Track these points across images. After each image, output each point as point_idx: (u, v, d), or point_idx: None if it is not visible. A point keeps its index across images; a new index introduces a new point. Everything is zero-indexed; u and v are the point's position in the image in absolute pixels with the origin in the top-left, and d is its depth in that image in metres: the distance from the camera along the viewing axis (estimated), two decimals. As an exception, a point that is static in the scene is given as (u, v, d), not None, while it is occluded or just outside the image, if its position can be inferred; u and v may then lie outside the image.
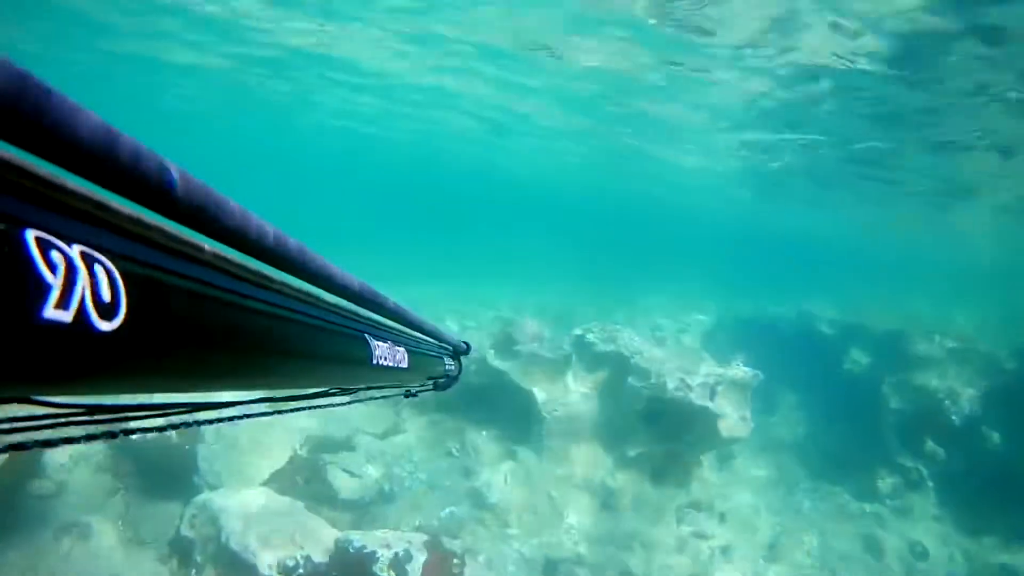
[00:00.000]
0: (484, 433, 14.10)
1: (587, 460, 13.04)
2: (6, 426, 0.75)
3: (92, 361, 0.65)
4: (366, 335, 1.55)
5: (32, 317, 0.55)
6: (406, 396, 2.28)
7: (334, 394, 1.57)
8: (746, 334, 23.64)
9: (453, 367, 2.65)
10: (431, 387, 2.49)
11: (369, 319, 1.63)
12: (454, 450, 13.92)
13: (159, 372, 0.78)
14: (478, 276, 34.30)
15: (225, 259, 0.97)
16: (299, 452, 12.33)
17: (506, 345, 15.21)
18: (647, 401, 12.74)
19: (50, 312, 0.57)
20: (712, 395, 12.67)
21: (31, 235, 0.57)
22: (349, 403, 1.90)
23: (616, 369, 14.30)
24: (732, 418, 12.79)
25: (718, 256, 54.46)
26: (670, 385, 12.40)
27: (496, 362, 14.05)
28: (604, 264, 41.86)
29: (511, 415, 14.30)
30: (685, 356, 15.91)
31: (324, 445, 12.87)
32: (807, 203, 32.84)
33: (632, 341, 14.76)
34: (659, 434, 12.92)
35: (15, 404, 0.67)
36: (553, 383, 13.79)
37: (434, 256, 43.10)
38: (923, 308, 27.91)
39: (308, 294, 1.26)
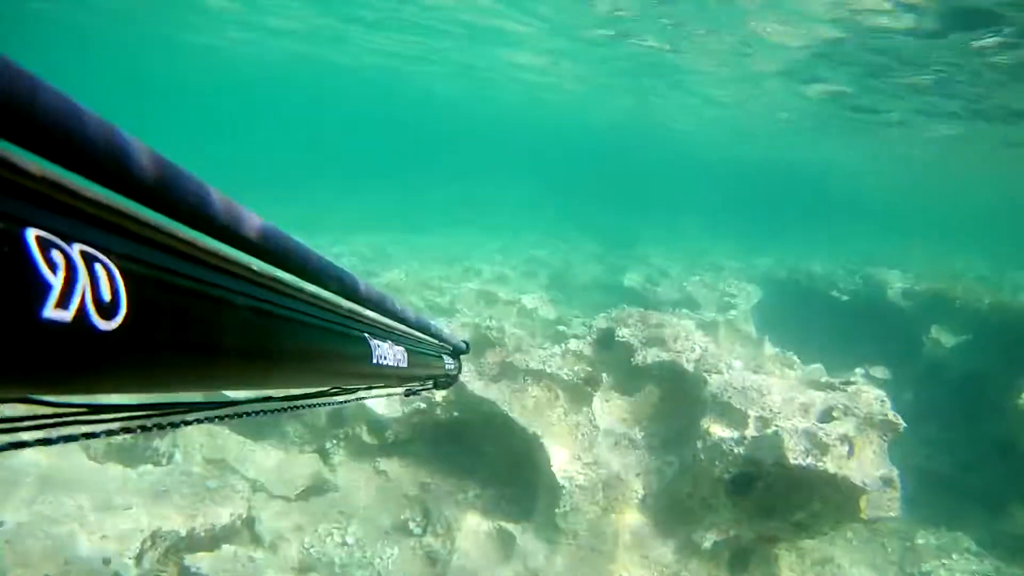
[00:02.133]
0: (461, 496, 8.79)
1: (632, 552, 7.78)
2: (6, 426, 0.74)
3: (92, 360, 0.64)
4: (366, 335, 1.55)
5: (33, 316, 0.55)
6: (406, 395, 2.30)
7: (334, 394, 1.54)
8: (799, 309, 18.48)
9: (453, 366, 2.62)
10: (431, 386, 2.48)
11: (369, 318, 1.60)
12: (413, 524, 8.63)
13: (158, 371, 0.77)
14: (457, 226, 28.57)
15: (225, 258, 0.96)
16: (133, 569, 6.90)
17: (491, 350, 9.81)
18: (740, 463, 7.43)
19: (50, 311, 0.56)
20: (849, 450, 7.39)
21: (32, 234, 0.57)
22: (348, 402, 1.83)
23: (672, 392, 8.96)
24: (869, 481, 7.55)
25: (738, 204, 49.19)
26: (789, 443, 7.05)
27: (477, 386, 8.64)
28: (606, 212, 36.29)
29: (505, 465, 9.00)
30: (763, 359, 10.59)
31: (191, 540, 7.49)
32: (849, 136, 27.49)
33: (690, 342, 9.40)
34: (752, 509, 7.68)
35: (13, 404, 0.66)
36: (571, 424, 8.43)
37: (414, 203, 37.19)
38: (983, 268, 22.93)
39: (307, 293, 1.23)
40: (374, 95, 47.28)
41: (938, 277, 18.10)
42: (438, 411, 8.88)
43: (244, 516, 8.07)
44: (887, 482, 7.79)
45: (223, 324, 0.87)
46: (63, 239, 0.61)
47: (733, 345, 11.81)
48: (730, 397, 7.76)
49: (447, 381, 2.62)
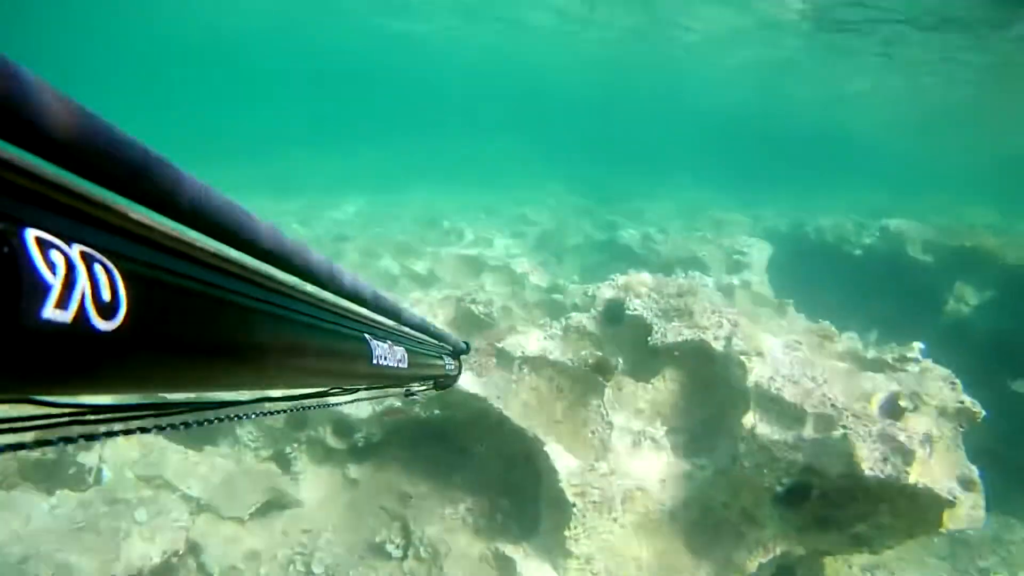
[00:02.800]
0: (449, 509, 7.28)
1: (659, 578, 6.33)
2: (5, 426, 0.73)
3: (92, 361, 0.63)
4: (366, 335, 1.54)
5: (31, 317, 0.55)
6: (406, 396, 2.29)
7: (335, 394, 1.55)
8: (807, 266, 16.99)
9: (453, 367, 2.64)
10: (432, 386, 2.49)
11: (368, 319, 1.60)
12: (391, 545, 7.12)
13: (158, 372, 0.76)
14: (438, 184, 26.65)
15: (225, 258, 0.96)
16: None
17: (477, 332, 8.23)
18: (797, 471, 5.94)
19: (49, 312, 0.56)
20: (929, 452, 5.93)
21: (31, 235, 0.56)
22: (349, 402, 1.86)
23: (698, 377, 7.44)
24: (953, 488, 6.12)
25: (731, 151, 47.31)
26: (862, 450, 5.55)
27: (463, 378, 7.06)
28: (595, 165, 34.43)
29: (499, 468, 7.48)
30: (791, 328, 9.09)
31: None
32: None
33: (717, 315, 7.85)
34: (804, 521, 6.24)
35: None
36: (579, 422, 6.91)
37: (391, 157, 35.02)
38: (992, 219, 21.55)
39: (307, 293, 1.23)
40: (347, 41, 44.39)
41: (958, 230, 16.64)
42: (417, 409, 7.31)
43: (181, 552, 6.52)
44: (967, 484, 6.37)
45: (222, 324, 0.86)
46: (63, 239, 0.60)
47: (754, 312, 10.30)
48: (779, 388, 6.23)
49: (447, 381, 2.63)
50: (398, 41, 38.21)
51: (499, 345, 7.22)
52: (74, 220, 0.68)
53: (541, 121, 59.55)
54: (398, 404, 7.20)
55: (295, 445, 7.90)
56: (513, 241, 16.82)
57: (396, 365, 1.71)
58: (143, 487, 7.20)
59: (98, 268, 0.62)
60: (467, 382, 6.94)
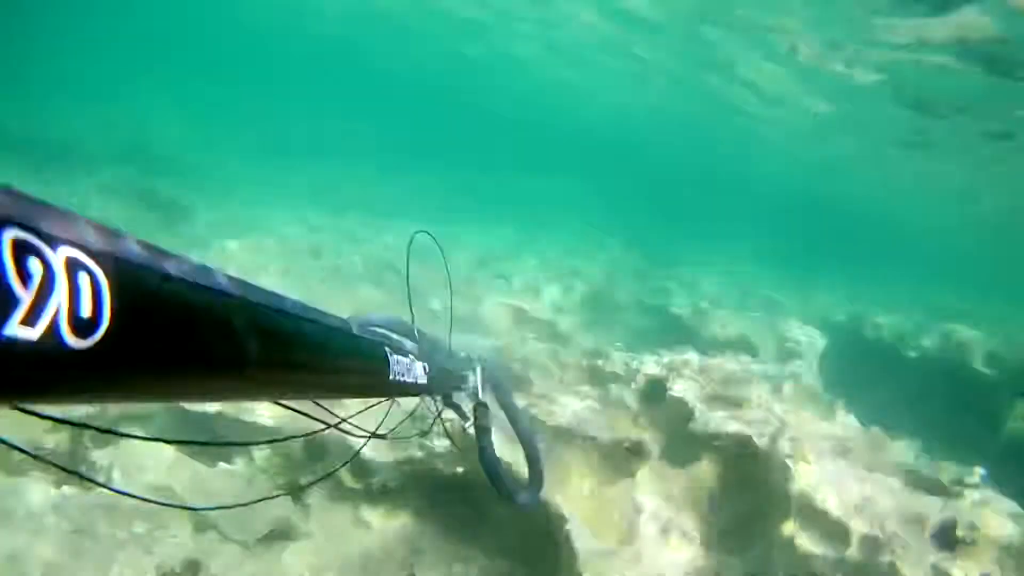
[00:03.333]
0: (459, 568, 6.97)
1: None
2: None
3: (61, 377, 0.59)
4: (386, 347, 1.55)
5: None
6: (437, 413, 2.51)
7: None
8: (860, 363, 16.31)
9: (473, 383, 2.69)
10: (449, 405, 2.58)
11: (384, 334, 1.69)
12: (395, 600, 6.83)
13: (139, 385, 0.74)
14: (489, 222, 26.69)
15: (212, 271, 0.94)
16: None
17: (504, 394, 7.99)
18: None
19: (13, 329, 0.52)
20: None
21: (7, 237, 0.52)
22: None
23: (737, 471, 7.05)
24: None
25: (792, 231, 46.41)
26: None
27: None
28: (652, 222, 34.17)
29: (518, 534, 7.17)
30: (840, 431, 8.60)
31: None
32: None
33: (762, 409, 7.49)
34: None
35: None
36: (605, 501, 6.59)
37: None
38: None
39: (305, 314, 1.19)
40: (420, 61, 44.86)
41: (1025, 344, 15.81)
42: (439, 464, 7.09)
43: (179, 569, 6.35)
44: (1021, 636, 5.81)
45: (213, 338, 0.83)
46: (48, 242, 0.56)
47: (800, 408, 9.86)
48: (824, 500, 5.82)
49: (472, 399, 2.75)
50: (474, 64, 38.52)
51: (530, 409, 6.97)
52: (65, 221, 0.61)
53: (608, 171, 59.52)
54: (419, 454, 7.00)
55: (312, 478, 7.73)
56: (561, 296, 16.62)
57: (415, 380, 1.74)
58: (151, 494, 7.10)
59: (83, 278, 0.58)
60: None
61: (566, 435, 6.80)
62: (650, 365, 8.41)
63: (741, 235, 36.11)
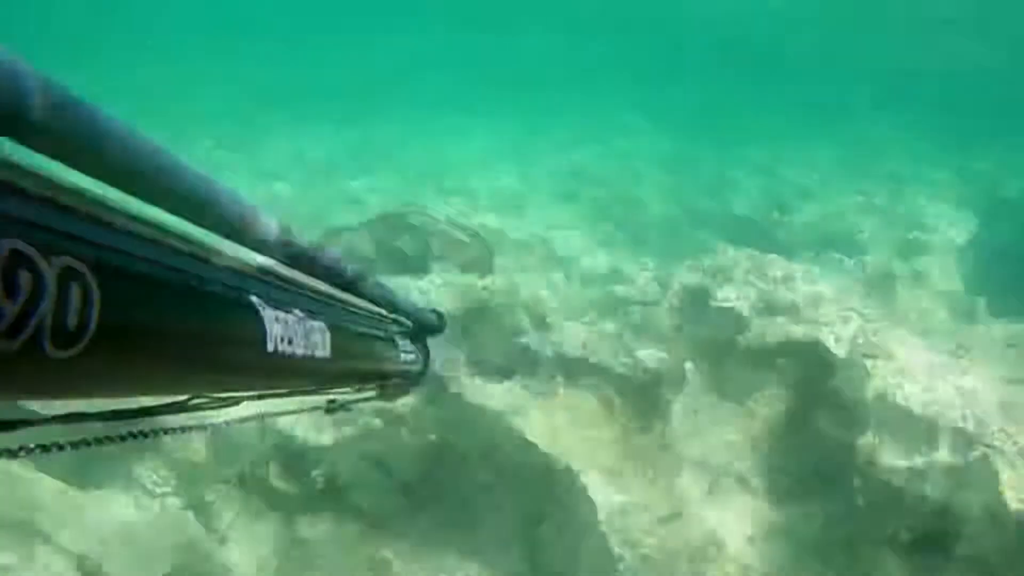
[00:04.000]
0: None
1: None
2: None
3: (36, 381, 0.89)
4: (254, 298, 1.55)
5: None
6: (327, 412, 2.40)
7: (194, 408, 1.57)
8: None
9: (414, 356, 2.68)
10: (374, 394, 2.54)
11: (261, 269, 1.69)
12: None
13: (107, 382, 1.07)
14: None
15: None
16: None
17: (491, 325, 9.99)
18: (926, 513, 7.63)
19: None
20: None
21: (3, 249, 0.75)
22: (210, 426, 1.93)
23: (810, 391, 9.13)
24: None
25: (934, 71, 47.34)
26: (1011, 480, 7.22)
27: (470, 386, 8.84)
28: (701, 85, 35.36)
29: (518, 523, 9.22)
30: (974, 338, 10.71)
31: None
32: None
33: (837, 305, 9.57)
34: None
35: None
36: (634, 450, 8.66)
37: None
38: None
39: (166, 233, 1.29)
40: None
41: None
42: (403, 433, 9.09)
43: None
44: None
45: (204, 344, 1.34)
46: (45, 254, 0.82)
47: (922, 312, 11.96)
48: (907, 397, 7.93)
49: (403, 384, 2.78)
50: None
51: (522, 341, 8.99)
52: (64, 232, 0.95)
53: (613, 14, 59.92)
54: (378, 423, 8.97)
55: (222, 488, 9.66)
56: (557, 208, 18.51)
57: (310, 354, 1.77)
58: (4, 535, 8.88)
59: (74, 290, 0.87)
60: (476, 391, 8.73)
61: (574, 368, 8.82)
62: (687, 272, 10.43)
63: (859, 75, 37.10)
